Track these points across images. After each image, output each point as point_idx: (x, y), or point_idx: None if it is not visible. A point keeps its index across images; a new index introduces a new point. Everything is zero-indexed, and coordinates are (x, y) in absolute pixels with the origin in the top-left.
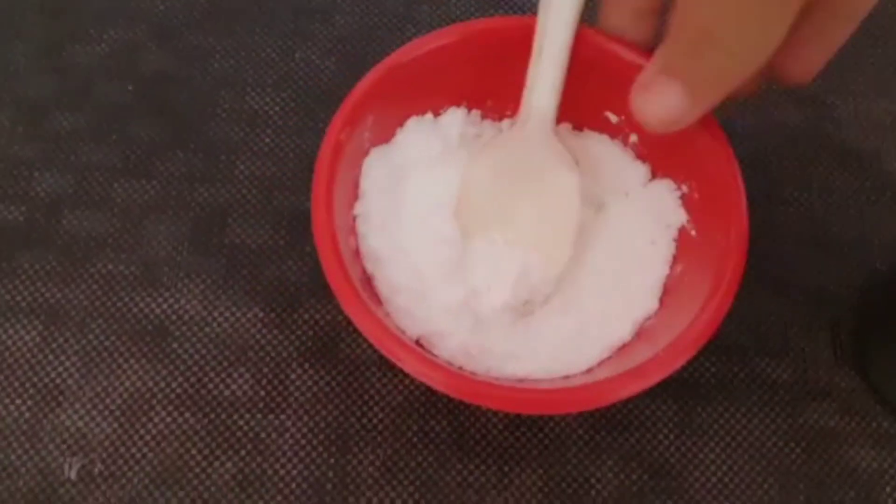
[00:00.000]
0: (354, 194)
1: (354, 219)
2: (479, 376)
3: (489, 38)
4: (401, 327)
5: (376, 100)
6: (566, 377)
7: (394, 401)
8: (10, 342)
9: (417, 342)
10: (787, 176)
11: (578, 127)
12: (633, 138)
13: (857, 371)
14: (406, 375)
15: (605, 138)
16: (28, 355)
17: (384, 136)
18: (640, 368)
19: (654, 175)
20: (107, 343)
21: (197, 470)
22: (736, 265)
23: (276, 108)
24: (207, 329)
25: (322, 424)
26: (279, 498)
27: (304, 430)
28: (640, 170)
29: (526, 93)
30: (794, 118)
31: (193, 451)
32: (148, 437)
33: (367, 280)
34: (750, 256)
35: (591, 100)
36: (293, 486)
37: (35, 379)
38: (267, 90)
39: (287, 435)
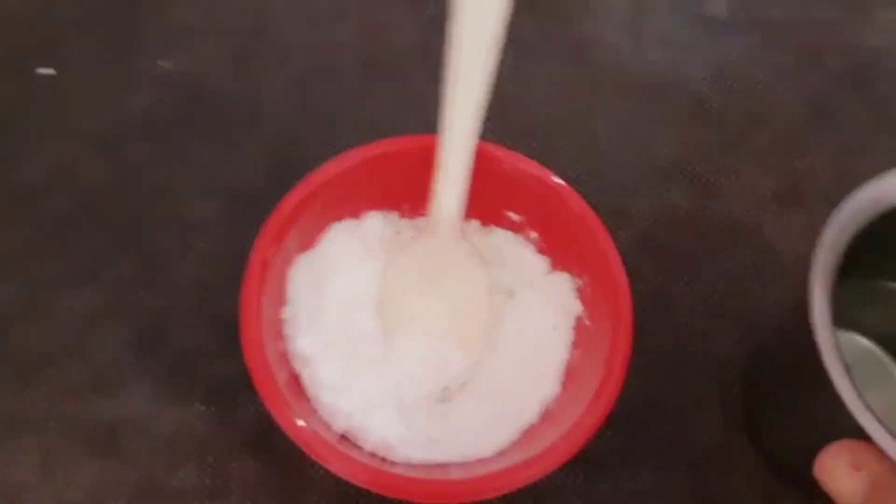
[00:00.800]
0: (282, 300)
1: (282, 323)
2: (398, 467)
3: (399, 154)
4: (326, 423)
5: (299, 215)
6: (480, 461)
7: (328, 487)
8: None
9: (343, 437)
10: (679, 253)
11: (486, 223)
12: (533, 235)
13: (746, 433)
14: None
15: (509, 234)
16: None
17: (308, 243)
18: (545, 454)
19: (554, 267)
20: (63, 445)
21: None
22: (623, 357)
23: (209, 215)
24: (154, 426)
25: None
26: None
27: None
28: (542, 262)
29: (433, 202)
30: (682, 198)
31: None
32: None
33: (295, 379)
34: (646, 330)
35: (495, 201)
36: None
37: None
38: (199, 198)
39: None
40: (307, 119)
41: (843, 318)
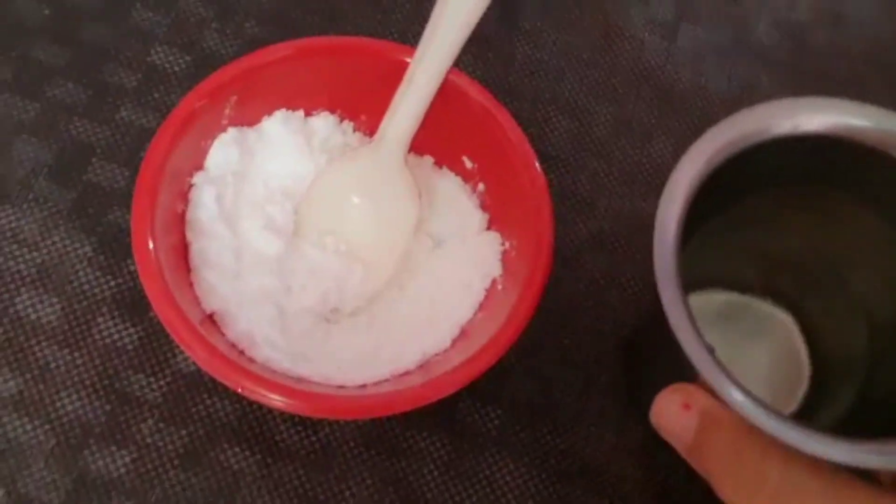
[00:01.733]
0: (198, 163)
1: (190, 186)
2: (254, 365)
3: (374, 55)
4: (198, 299)
5: (245, 83)
6: (339, 387)
7: (186, 369)
8: None
9: (209, 317)
10: (629, 262)
11: (439, 163)
12: (481, 187)
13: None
14: None
15: (458, 181)
16: None
17: (248, 119)
18: (397, 394)
19: (489, 226)
20: None
21: None
22: (518, 322)
23: (177, 69)
24: (36, 254)
25: (111, 371)
26: (47, 427)
27: (93, 372)
28: (479, 218)
29: (387, 115)
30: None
31: None
32: None
33: (183, 247)
34: (573, 329)
35: (453, 141)
36: (64, 419)
37: None
38: (175, 50)
39: (74, 372)
40: (307, 7)
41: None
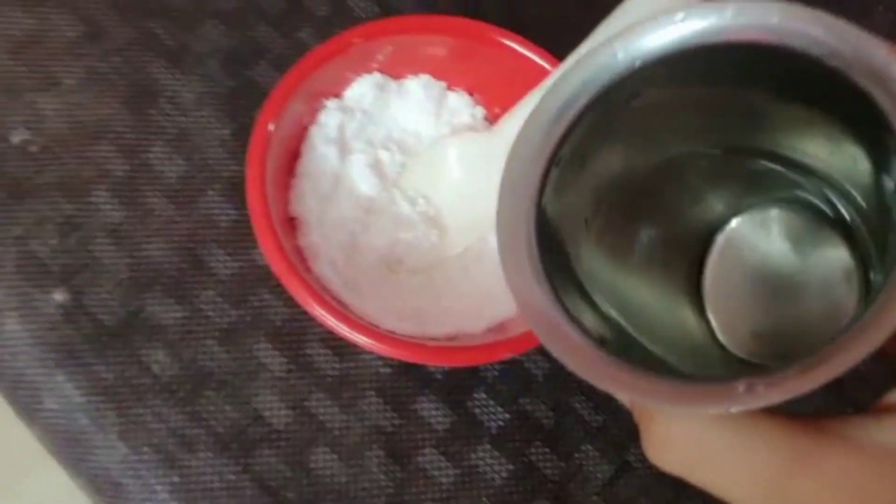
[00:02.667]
0: (337, 91)
1: (320, 107)
2: (307, 273)
3: (524, 57)
4: (289, 201)
5: (404, 39)
6: (371, 324)
7: (260, 261)
8: None
9: (291, 220)
10: None
11: None
12: None
13: None
14: None
15: None
16: None
17: (395, 71)
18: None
19: None
20: None
21: None
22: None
23: (362, 15)
24: (183, 119)
25: (198, 238)
26: (127, 260)
27: (184, 232)
28: None
29: (510, 111)
30: None
31: None
32: None
33: (297, 156)
34: None
35: None
36: (143, 261)
37: None
38: None
39: (170, 225)
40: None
41: None
